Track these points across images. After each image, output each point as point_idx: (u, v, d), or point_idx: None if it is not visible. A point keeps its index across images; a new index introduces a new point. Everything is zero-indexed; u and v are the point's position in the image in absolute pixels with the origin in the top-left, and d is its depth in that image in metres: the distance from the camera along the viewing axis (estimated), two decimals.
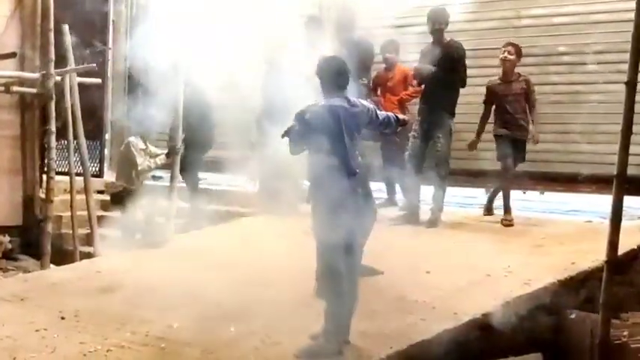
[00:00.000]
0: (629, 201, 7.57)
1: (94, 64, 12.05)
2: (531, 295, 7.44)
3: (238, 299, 7.83)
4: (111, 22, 14.69)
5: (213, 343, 6.81)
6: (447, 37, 10.11)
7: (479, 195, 11.60)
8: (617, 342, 7.09)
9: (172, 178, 10.78)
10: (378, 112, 7.10)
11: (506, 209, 10.18)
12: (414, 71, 10.38)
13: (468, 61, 10.26)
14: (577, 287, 7.80)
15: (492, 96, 10.22)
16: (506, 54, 10.09)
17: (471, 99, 10.62)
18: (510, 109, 9.95)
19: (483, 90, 10.46)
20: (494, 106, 10.25)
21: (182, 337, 7.01)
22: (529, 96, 9.98)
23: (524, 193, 11.28)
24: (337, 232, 6.42)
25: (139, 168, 10.82)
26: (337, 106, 6.59)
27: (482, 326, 6.97)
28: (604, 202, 10.06)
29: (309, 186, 6.85)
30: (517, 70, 10.16)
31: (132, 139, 11.00)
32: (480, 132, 10.36)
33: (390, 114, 7.29)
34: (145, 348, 6.83)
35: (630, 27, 9.04)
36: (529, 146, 10.22)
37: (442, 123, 10.04)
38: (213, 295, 7.94)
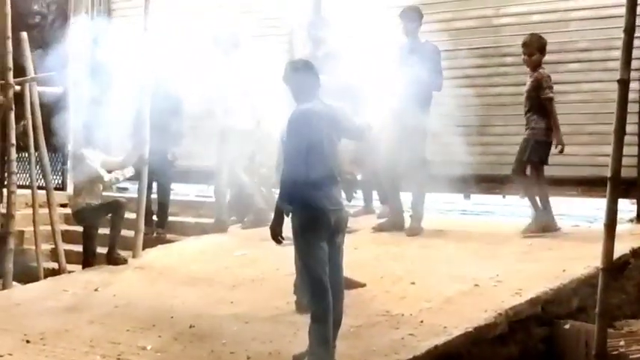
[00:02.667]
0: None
1: (55, 72, 11.63)
2: (523, 305, 7.14)
3: (212, 317, 7.61)
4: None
5: None
6: (422, 37, 9.74)
7: (458, 200, 11.30)
8: (615, 353, 6.82)
9: (140, 191, 10.36)
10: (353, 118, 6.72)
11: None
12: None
13: (447, 62, 9.90)
14: (569, 296, 7.54)
15: None
16: (525, 56, 9.42)
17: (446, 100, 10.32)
18: (524, 106, 9.49)
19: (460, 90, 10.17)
20: None
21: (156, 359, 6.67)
22: (538, 93, 9.32)
23: (504, 197, 10.96)
24: (322, 244, 6.09)
25: (106, 180, 10.41)
26: (313, 109, 6.19)
27: (474, 340, 6.68)
28: (590, 205, 9.93)
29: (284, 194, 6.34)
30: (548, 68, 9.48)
31: (84, 151, 10.56)
32: None
33: (363, 122, 6.86)
34: None
35: (613, 23, 8.90)
36: (510, 149, 9.87)
37: (417, 126, 9.62)
38: (186, 313, 7.74)
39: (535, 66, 9.29)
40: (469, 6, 10.74)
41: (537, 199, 9.34)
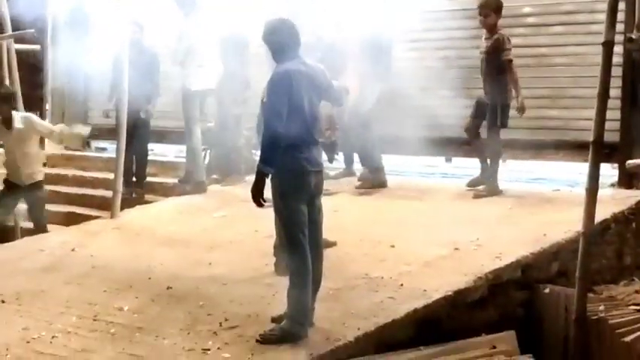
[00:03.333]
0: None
1: (33, 30, 11.47)
2: (503, 269, 7.11)
3: (190, 278, 7.53)
4: None
5: (166, 327, 6.40)
6: None
7: (439, 164, 11.24)
8: (594, 317, 6.82)
9: (118, 150, 10.23)
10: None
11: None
12: None
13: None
14: (549, 260, 7.53)
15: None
16: (481, 17, 9.34)
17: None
18: (482, 69, 9.37)
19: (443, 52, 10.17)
20: None
21: (133, 321, 6.62)
22: (498, 54, 9.20)
23: None
24: (302, 206, 6.02)
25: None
26: (294, 70, 6.07)
27: (453, 304, 6.64)
28: (570, 169, 9.91)
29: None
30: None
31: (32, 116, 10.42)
32: None
33: (341, 86, 6.71)
34: (93, 334, 6.44)
35: None
36: None
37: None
38: (163, 275, 7.67)
39: (492, 27, 9.21)
40: None
41: (489, 161, 9.44)
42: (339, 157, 9.97)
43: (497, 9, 9.18)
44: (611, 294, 7.49)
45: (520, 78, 9.26)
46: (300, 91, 6.01)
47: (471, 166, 10.91)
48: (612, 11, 6.38)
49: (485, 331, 6.50)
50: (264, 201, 6.01)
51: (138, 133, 11.04)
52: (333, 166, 9.17)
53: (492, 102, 9.14)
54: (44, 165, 11.47)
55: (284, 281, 6.25)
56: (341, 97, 6.60)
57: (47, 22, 14.04)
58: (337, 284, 6.89)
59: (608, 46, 6.45)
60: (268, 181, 6.02)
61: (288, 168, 5.97)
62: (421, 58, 10.65)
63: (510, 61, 9.07)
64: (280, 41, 6.22)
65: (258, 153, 6.16)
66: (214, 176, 11.21)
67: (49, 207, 10.96)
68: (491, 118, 9.15)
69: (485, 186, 9.47)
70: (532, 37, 10.29)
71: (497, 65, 9.12)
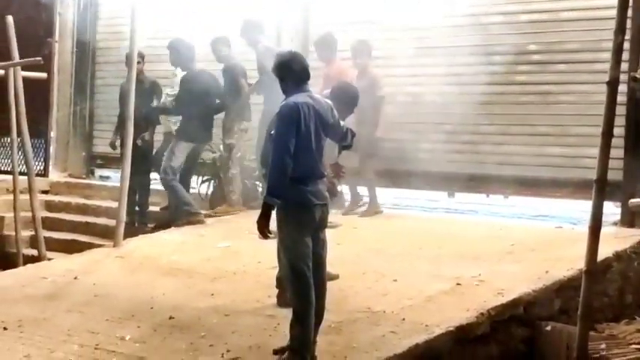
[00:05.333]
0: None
1: (40, 58, 11.53)
2: (505, 305, 7.09)
3: (193, 309, 7.51)
4: (57, 15, 14.18)
5: (168, 358, 6.41)
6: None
7: (442, 199, 11.27)
8: (596, 356, 6.82)
9: (122, 179, 10.24)
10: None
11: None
12: None
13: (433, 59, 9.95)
14: (551, 297, 7.53)
15: None
16: (357, 60, 10.50)
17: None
18: None
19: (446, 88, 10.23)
20: None
21: (134, 350, 6.60)
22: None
23: (488, 196, 10.96)
24: (306, 239, 6.05)
25: None
26: (302, 102, 6.11)
27: (455, 339, 6.61)
28: (573, 207, 9.92)
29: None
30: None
31: None
32: None
33: (348, 127, 6.72)
34: None
35: (603, 25, 8.86)
36: (496, 148, 10.03)
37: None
38: (166, 304, 7.63)
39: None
40: (458, 4, 10.63)
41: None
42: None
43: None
44: (612, 332, 7.51)
45: (524, 115, 9.32)
46: (307, 124, 6.05)
47: (474, 201, 10.98)
48: (617, 50, 6.40)
49: None
50: (270, 232, 6.03)
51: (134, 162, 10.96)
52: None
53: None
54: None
55: (286, 313, 6.26)
56: (347, 136, 6.61)
57: (54, 50, 14.15)
58: (339, 317, 6.88)
59: (612, 84, 6.47)
60: (274, 213, 6.04)
61: (294, 201, 6.00)
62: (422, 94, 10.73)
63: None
64: (290, 74, 6.27)
65: (264, 184, 6.19)
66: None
67: (51, 234, 10.98)
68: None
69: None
70: (537, 75, 10.33)
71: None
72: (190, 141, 10.92)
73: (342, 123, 6.53)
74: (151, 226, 11.20)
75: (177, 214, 10.85)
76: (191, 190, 11.56)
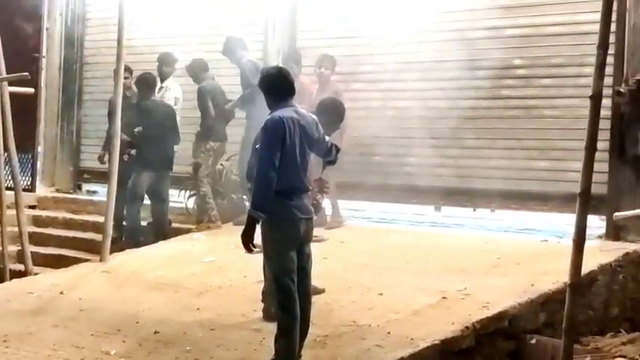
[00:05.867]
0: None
1: (27, 73, 11.50)
2: (490, 319, 7.10)
3: (178, 323, 7.52)
4: (45, 30, 14.20)
5: None
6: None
7: (428, 212, 11.29)
8: None
9: (109, 194, 10.22)
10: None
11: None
12: None
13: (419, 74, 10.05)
14: (537, 310, 7.54)
15: None
16: (322, 69, 10.66)
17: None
18: None
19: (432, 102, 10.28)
20: None
21: None
22: None
23: (475, 210, 10.97)
24: (291, 253, 6.07)
25: None
26: (287, 117, 6.13)
27: (440, 353, 6.63)
28: (559, 220, 9.94)
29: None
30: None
31: None
32: None
33: (333, 142, 6.74)
34: None
35: (586, 39, 8.90)
36: (482, 162, 10.08)
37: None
38: (151, 319, 7.64)
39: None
40: (444, 19, 10.69)
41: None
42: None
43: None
44: (597, 345, 7.52)
45: (510, 129, 9.35)
46: (293, 138, 6.08)
47: (460, 215, 11.00)
48: (600, 65, 6.43)
49: None
50: (254, 247, 6.03)
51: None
52: None
53: None
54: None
55: (272, 327, 6.29)
56: (331, 151, 6.63)
57: (41, 65, 14.15)
58: (325, 331, 6.90)
59: (596, 98, 6.49)
60: (258, 227, 6.05)
61: (279, 215, 6.02)
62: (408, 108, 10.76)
63: None
64: (275, 88, 6.31)
65: (249, 198, 6.20)
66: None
67: (39, 249, 10.94)
68: None
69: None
70: (522, 89, 10.34)
71: None
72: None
73: (327, 138, 6.56)
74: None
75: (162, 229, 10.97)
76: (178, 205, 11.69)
